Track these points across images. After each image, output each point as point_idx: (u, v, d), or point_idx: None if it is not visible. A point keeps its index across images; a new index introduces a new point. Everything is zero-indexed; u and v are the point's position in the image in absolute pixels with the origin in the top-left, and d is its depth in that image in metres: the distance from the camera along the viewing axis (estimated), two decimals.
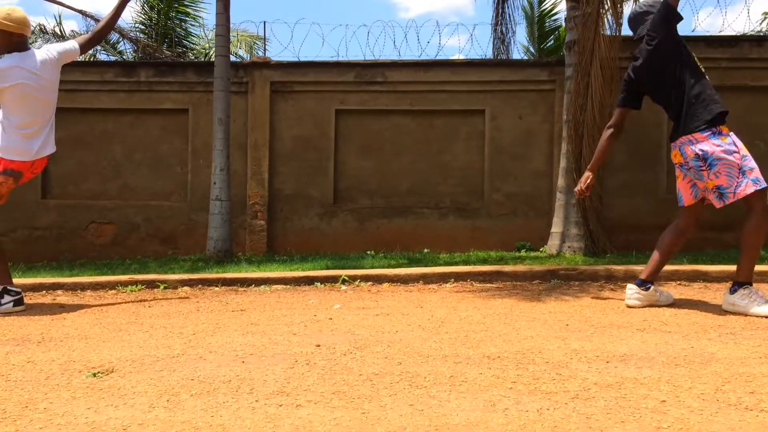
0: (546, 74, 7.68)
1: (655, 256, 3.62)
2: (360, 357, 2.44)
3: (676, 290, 4.22)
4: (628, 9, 6.90)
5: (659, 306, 3.55)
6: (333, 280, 4.85)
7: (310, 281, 4.86)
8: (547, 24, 12.60)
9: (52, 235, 7.92)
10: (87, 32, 12.13)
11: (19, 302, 3.89)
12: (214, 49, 7.92)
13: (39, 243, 7.87)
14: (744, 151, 3.33)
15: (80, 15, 11.46)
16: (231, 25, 7.38)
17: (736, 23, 31.02)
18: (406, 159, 7.83)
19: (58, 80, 4.08)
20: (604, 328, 2.95)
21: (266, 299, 4.23)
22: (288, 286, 4.79)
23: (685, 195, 3.56)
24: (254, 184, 7.81)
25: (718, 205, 3.37)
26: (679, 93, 3.45)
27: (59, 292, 4.74)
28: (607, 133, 3.76)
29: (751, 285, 3.31)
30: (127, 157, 8.01)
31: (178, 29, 12.63)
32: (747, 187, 3.24)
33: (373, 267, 5.43)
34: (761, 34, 9.91)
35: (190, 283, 4.87)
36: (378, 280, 4.83)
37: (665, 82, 3.50)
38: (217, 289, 4.77)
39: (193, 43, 12.96)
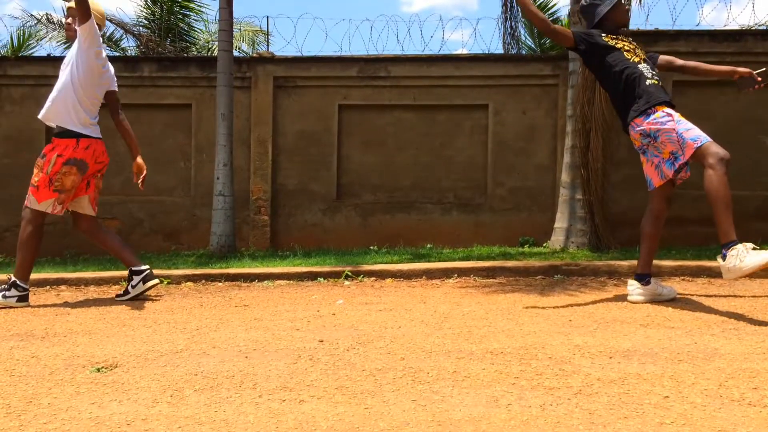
0: (549, 69, 7.66)
1: (643, 247, 3.64)
2: (363, 352, 2.45)
3: (680, 286, 4.21)
4: (635, 2, 6.88)
5: (661, 300, 3.54)
6: (336, 275, 4.86)
7: (313, 276, 4.86)
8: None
9: (56, 230, 7.93)
10: None
11: (23, 299, 3.90)
12: (217, 44, 7.92)
13: (43, 238, 7.88)
14: (678, 117, 3.42)
15: None
16: (234, 20, 7.38)
17: (741, 17, 30.88)
18: (410, 154, 7.82)
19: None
20: (608, 324, 2.95)
21: (269, 294, 4.23)
22: (291, 282, 4.79)
23: (654, 178, 3.61)
24: (257, 180, 7.81)
25: (669, 172, 3.47)
26: (610, 89, 3.65)
27: (63, 287, 4.76)
28: (550, 27, 3.61)
29: (736, 242, 3.11)
30: (129, 153, 8.00)
31: (181, 24, 12.61)
32: (690, 146, 3.31)
33: (376, 262, 5.44)
34: (766, 28, 9.86)
35: (193, 278, 4.88)
36: (381, 275, 4.83)
37: (599, 78, 3.74)
38: (220, 284, 4.78)
39: (196, 38, 12.94)
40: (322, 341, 2.67)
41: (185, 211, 7.93)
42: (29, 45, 12.41)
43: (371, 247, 7.17)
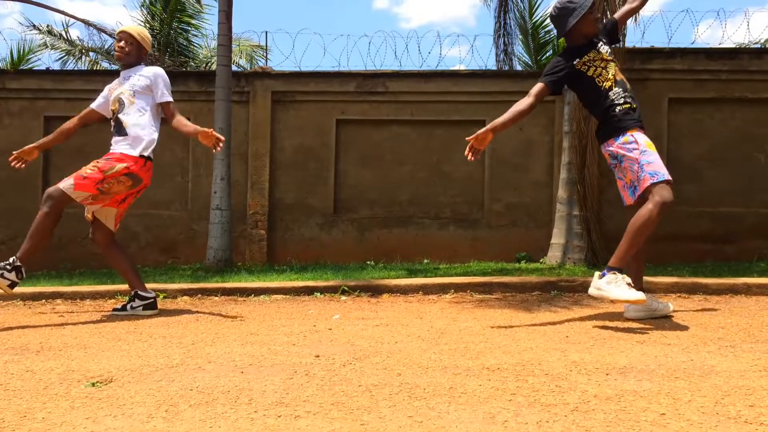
0: None
1: (629, 264, 3.64)
2: (359, 368, 2.44)
3: (676, 302, 4.21)
4: (631, 21, 6.94)
5: (657, 316, 3.54)
6: (333, 290, 4.85)
7: (309, 291, 4.85)
8: (541, 35, 12.56)
9: (52, 243, 7.91)
10: (90, 41, 12.25)
11: (150, 306, 4.01)
12: (215, 58, 7.96)
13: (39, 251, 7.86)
14: (644, 146, 3.43)
15: (83, 24, 11.43)
16: (233, 35, 7.42)
17: (735, 35, 31.15)
18: (407, 169, 7.84)
19: None
20: (604, 340, 2.95)
21: (266, 309, 4.22)
22: (288, 296, 4.78)
23: (625, 197, 3.63)
24: (255, 194, 7.82)
25: (629, 200, 3.53)
26: (590, 108, 3.70)
27: (59, 301, 4.74)
28: (527, 102, 3.63)
29: (622, 271, 3.30)
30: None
31: (180, 39, 12.67)
32: (645, 180, 3.35)
33: (372, 277, 5.43)
34: (761, 46, 9.95)
35: (189, 292, 4.87)
36: (378, 290, 4.83)
37: (578, 96, 3.78)
38: (216, 298, 4.77)
39: (194, 53, 13.00)
40: (318, 356, 2.66)
41: (182, 224, 7.93)
42: (29, 59, 12.46)
43: (368, 262, 7.17)
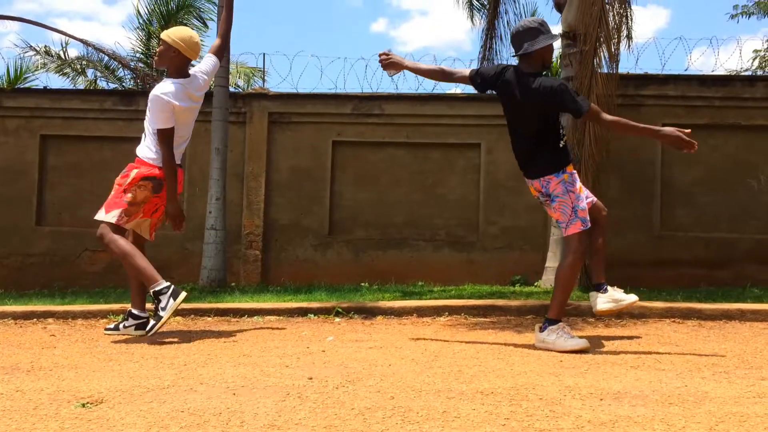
0: None
1: (590, 259, 3.74)
2: (352, 391, 2.42)
3: (670, 327, 4.21)
4: (624, 48, 7.02)
5: (625, 306, 3.67)
6: (327, 311, 4.83)
7: (303, 312, 4.83)
8: None
9: (46, 262, 7.89)
10: (87, 58, 12.29)
11: (142, 327, 3.88)
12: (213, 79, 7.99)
13: (32, 270, 7.83)
14: (579, 191, 3.47)
15: (82, 44, 11.50)
16: (231, 57, 7.47)
17: (728, 63, 31.52)
18: (402, 191, 7.86)
19: (198, 109, 4.20)
20: (598, 365, 2.94)
21: (259, 330, 4.20)
22: (281, 317, 4.76)
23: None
24: (250, 214, 7.82)
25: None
26: (535, 140, 3.50)
27: (50, 320, 4.71)
28: (440, 66, 3.77)
29: (560, 321, 3.40)
30: None
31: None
32: (576, 226, 3.40)
33: (367, 299, 5.41)
34: (753, 74, 10.06)
35: (182, 312, 4.84)
36: (372, 312, 4.81)
37: (527, 125, 3.52)
38: (209, 319, 4.74)
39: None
40: (311, 378, 2.64)
41: (176, 244, 7.90)
42: (26, 78, 12.48)
43: (363, 284, 7.15)
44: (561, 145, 3.50)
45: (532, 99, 3.42)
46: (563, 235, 3.51)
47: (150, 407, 2.19)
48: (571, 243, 3.43)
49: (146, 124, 4.02)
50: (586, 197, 3.55)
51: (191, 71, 4.06)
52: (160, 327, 3.73)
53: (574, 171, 3.52)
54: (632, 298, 3.70)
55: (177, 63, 3.96)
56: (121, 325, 4.02)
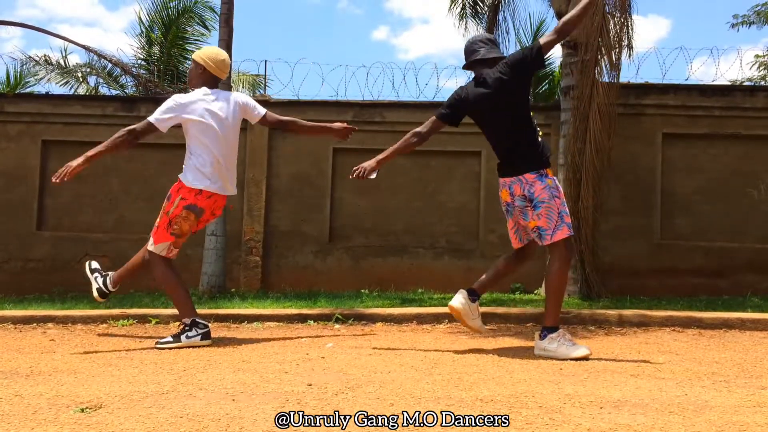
0: (542, 118, 7.76)
1: (490, 273, 3.72)
2: (352, 397, 2.42)
3: (670, 336, 4.21)
4: (625, 57, 7.05)
5: (469, 324, 3.63)
6: (326, 318, 4.83)
7: (303, 319, 4.83)
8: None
9: (46, 267, 7.88)
10: (90, 65, 12.31)
11: (206, 336, 3.81)
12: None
13: (32, 275, 7.83)
14: (563, 196, 3.48)
15: (83, 50, 11.53)
16: (233, 64, 7.49)
17: (729, 72, 31.59)
18: (402, 198, 7.86)
19: (238, 128, 4.14)
20: (598, 373, 2.94)
21: (258, 336, 4.20)
22: (281, 324, 4.76)
23: (513, 240, 3.66)
24: (250, 220, 7.82)
25: (539, 243, 3.49)
26: (514, 132, 3.51)
27: (50, 325, 4.70)
28: (411, 134, 3.76)
29: (558, 328, 3.40)
30: (123, 191, 8.02)
31: (180, 66, 12.78)
32: (564, 232, 3.38)
33: (366, 306, 5.41)
34: (755, 82, 10.09)
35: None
36: (372, 319, 4.81)
37: (503, 118, 3.53)
38: (209, 324, 4.73)
39: None
40: (310, 385, 2.64)
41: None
42: (27, 83, 12.50)
43: (362, 291, 7.15)
44: (539, 139, 3.52)
45: (497, 83, 3.46)
46: (546, 242, 3.41)
47: (149, 413, 2.19)
48: (558, 250, 3.40)
49: (188, 154, 4.03)
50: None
51: (227, 94, 4.08)
52: (171, 348, 3.71)
53: (555, 177, 3.52)
54: (483, 329, 3.70)
55: (204, 80, 4.00)
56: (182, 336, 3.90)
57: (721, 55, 20.96)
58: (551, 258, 3.44)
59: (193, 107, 3.88)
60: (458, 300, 3.62)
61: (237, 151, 4.15)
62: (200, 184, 3.89)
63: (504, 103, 3.49)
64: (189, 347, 3.69)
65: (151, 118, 3.91)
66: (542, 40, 3.46)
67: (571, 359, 3.26)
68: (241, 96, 4.15)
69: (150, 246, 3.91)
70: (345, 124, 4.30)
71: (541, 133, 3.57)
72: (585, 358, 3.27)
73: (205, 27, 12.77)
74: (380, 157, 3.82)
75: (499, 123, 3.55)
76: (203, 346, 3.73)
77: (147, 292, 7.34)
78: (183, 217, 3.88)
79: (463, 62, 3.70)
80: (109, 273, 4.21)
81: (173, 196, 3.93)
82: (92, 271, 4.27)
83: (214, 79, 4.04)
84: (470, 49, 3.65)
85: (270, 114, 4.19)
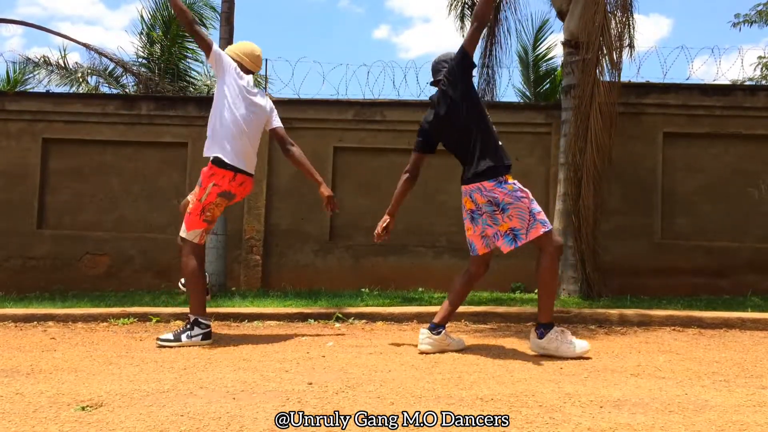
0: (542, 117, 7.78)
1: (447, 301, 3.65)
2: (352, 396, 2.42)
3: (670, 336, 4.21)
4: (626, 56, 7.04)
5: (450, 351, 3.52)
6: (327, 317, 4.83)
7: (303, 318, 4.83)
8: (542, 68, 12.75)
9: (46, 265, 7.88)
10: (93, 68, 12.31)
11: (207, 336, 3.80)
12: (215, 85, 8.00)
13: (32, 273, 7.83)
14: (530, 195, 3.44)
15: (84, 48, 11.53)
16: None
17: (730, 72, 31.56)
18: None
19: (260, 127, 4.23)
20: (598, 373, 2.94)
21: (259, 335, 4.20)
22: (281, 322, 4.76)
23: (478, 245, 3.61)
24: (250, 219, 7.82)
25: (507, 248, 3.43)
26: (469, 140, 3.52)
27: (50, 323, 4.71)
28: (403, 178, 3.90)
29: (554, 325, 3.40)
30: (124, 189, 8.02)
31: (180, 64, 12.78)
32: (538, 228, 3.35)
33: (367, 305, 5.41)
34: (755, 83, 10.08)
35: (183, 316, 4.83)
36: (372, 318, 4.81)
37: (456, 127, 3.55)
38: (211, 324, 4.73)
39: (194, 79, 13.10)
40: (311, 384, 2.64)
41: (177, 248, 7.88)
42: (26, 80, 12.48)
43: (363, 290, 7.15)
44: (500, 144, 3.52)
45: (441, 100, 3.56)
46: (522, 243, 3.38)
47: (149, 411, 2.19)
48: (543, 246, 3.38)
49: (215, 120, 4.04)
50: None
51: (263, 92, 4.21)
52: (171, 346, 3.71)
53: (517, 184, 3.46)
54: (463, 344, 3.63)
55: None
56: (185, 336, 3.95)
57: (722, 55, 20.96)
58: (540, 255, 3.42)
59: (228, 64, 4.01)
60: (425, 343, 3.51)
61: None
62: (238, 164, 3.95)
63: (453, 117, 3.53)
64: (189, 346, 3.70)
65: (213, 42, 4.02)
66: (465, 39, 3.53)
67: (575, 357, 3.27)
68: (270, 101, 4.29)
69: (183, 233, 3.93)
70: (331, 197, 4.36)
71: (500, 143, 3.53)
72: (586, 354, 3.29)
73: (204, 25, 12.76)
74: (390, 210, 4.03)
75: (452, 136, 3.62)
76: (203, 345, 3.73)
77: (148, 290, 7.35)
78: (216, 204, 3.93)
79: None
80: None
81: (204, 182, 3.93)
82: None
83: (249, 73, 4.14)
84: (435, 69, 3.72)
85: (282, 129, 4.37)
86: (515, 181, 3.47)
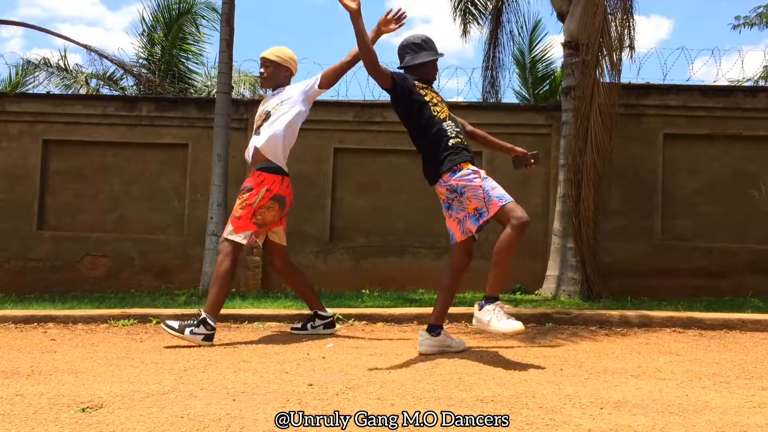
0: (543, 119, 7.78)
1: (440, 299, 3.64)
2: (352, 397, 2.42)
3: (670, 337, 4.21)
4: (626, 58, 7.05)
5: (450, 352, 3.50)
6: None
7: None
8: (540, 69, 12.74)
9: (46, 266, 7.89)
10: (94, 74, 12.34)
11: (209, 338, 3.78)
12: (215, 86, 8.01)
13: (32, 274, 7.83)
14: (483, 174, 3.45)
15: (84, 49, 11.53)
16: (234, 64, 7.49)
17: (730, 73, 31.56)
18: (403, 198, 7.86)
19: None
20: (599, 374, 2.94)
21: (259, 336, 4.20)
22: (281, 323, 4.75)
23: (456, 233, 3.63)
24: None
25: (473, 227, 3.49)
26: (420, 151, 3.61)
27: (51, 324, 4.70)
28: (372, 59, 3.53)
29: (498, 299, 3.35)
30: (124, 191, 8.03)
31: (181, 66, 12.78)
32: (495, 203, 3.34)
33: (367, 306, 5.41)
34: (754, 84, 10.08)
35: (182, 318, 4.83)
36: (372, 319, 4.80)
37: (415, 125, 3.62)
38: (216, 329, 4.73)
39: (194, 80, 13.11)
40: (311, 385, 2.64)
41: (177, 249, 7.91)
42: (26, 82, 12.49)
43: (363, 291, 7.15)
44: (450, 144, 3.48)
45: (394, 105, 3.67)
46: (485, 219, 3.42)
47: (150, 412, 2.19)
48: (501, 220, 3.35)
49: (271, 127, 4.11)
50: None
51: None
52: (172, 334, 3.74)
53: (472, 167, 3.47)
54: (462, 345, 3.60)
55: (282, 76, 4.24)
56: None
57: (723, 56, 20.96)
58: (504, 231, 3.37)
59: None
60: (425, 344, 3.49)
61: None
62: (285, 168, 4.14)
63: (397, 110, 3.64)
64: (189, 346, 3.69)
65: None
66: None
67: (501, 333, 3.22)
68: (300, 87, 4.30)
69: (228, 234, 3.95)
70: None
71: (458, 140, 3.51)
72: (518, 333, 3.23)
73: (197, 28, 12.78)
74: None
75: (409, 123, 3.67)
76: (201, 345, 3.73)
77: (147, 291, 7.35)
78: (267, 207, 3.99)
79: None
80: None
81: (256, 188, 4.00)
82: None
83: (287, 73, 4.27)
84: (399, 55, 3.71)
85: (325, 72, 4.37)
86: (469, 167, 3.46)
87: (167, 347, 3.71)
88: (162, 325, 3.82)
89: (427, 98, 3.56)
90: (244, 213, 3.95)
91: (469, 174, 3.41)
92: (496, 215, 3.35)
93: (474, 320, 3.38)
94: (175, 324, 3.78)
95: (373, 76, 3.53)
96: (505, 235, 3.35)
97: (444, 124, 3.53)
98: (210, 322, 3.80)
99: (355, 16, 3.42)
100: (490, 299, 3.35)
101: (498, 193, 3.37)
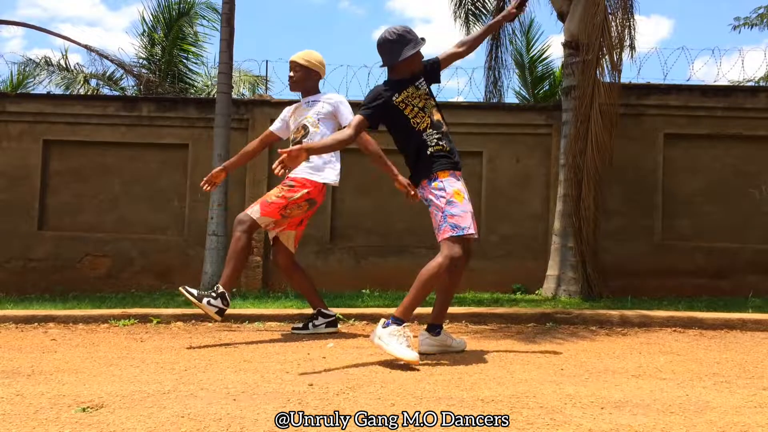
0: (543, 119, 7.78)
1: (438, 298, 3.62)
2: (353, 397, 2.42)
3: (671, 337, 4.21)
4: (627, 57, 7.05)
5: (451, 352, 3.49)
6: None
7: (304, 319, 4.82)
8: (539, 69, 12.73)
9: (47, 266, 7.89)
10: (91, 67, 12.33)
11: (221, 313, 3.88)
12: (215, 86, 8.01)
13: (33, 274, 7.84)
14: (451, 197, 3.33)
15: (85, 49, 11.55)
16: (234, 64, 7.49)
17: (730, 73, 31.56)
18: (403, 198, 7.81)
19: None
20: (599, 374, 2.93)
21: (260, 336, 4.20)
22: (282, 323, 4.76)
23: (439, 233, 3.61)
24: None
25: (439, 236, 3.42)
26: (409, 149, 3.54)
27: (51, 324, 4.70)
28: (346, 134, 3.57)
29: (404, 323, 3.22)
30: (125, 191, 8.03)
31: (181, 66, 12.79)
32: (445, 232, 3.30)
33: (368, 306, 5.41)
34: (755, 84, 10.08)
35: (183, 318, 4.84)
36: (373, 319, 4.80)
37: (397, 137, 3.62)
38: (210, 324, 4.74)
39: (194, 80, 13.11)
40: (311, 385, 2.64)
41: (178, 249, 7.91)
42: (27, 83, 12.51)
43: (363, 291, 7.15)
44: (428, 153, 3.42)
45: None
46: (437, 237, 3.36)
47: (150, 412, 2.19)
48: (444, 247, 3.29)
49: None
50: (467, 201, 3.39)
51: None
52: (189, 299, 3.81)
53: (451, 177, 3.38)
54: (462, 344, 3.58)
55: (312, 80, 4.30)
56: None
57: (723, 56, 20.97)
58: (435, 258, 3.31)
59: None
60: (425, 344, 3.47)
61: None
62: (331, 178, 4.24)
63: (386, 121, 3.62)
64: (189, 346, 3.69)
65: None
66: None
67: (397, 358, 3.08)
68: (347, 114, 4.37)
69: (253, 212, 4.00)
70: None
71: (439, 148, 3.44)
72: (409, 365, 3.06)
73: (193, 29, 12.78)
74: (308, 147, 3.46)
75: (394, 136, 3.66)
76: (213, 320, 3.93)
77: (148, 291, 7.35)
78: (299, 205, 4.07)
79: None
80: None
81: (298, 186, 4.06)
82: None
83: (317, 77, 4.34)
84: (379, 53, 3.54)
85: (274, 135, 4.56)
86: (447, 179, 3.37)
87: (167, 347, 3.71)
88: (181, 288, 3.88)
89: (406, 111, 3.46)
90: (278, 201, 4.01)
91: (440, 190, 3.34)
92: (441, 242, 3.32)
93: (374, 335, 3.23)
94: (195, 292, 3.84)
95: (358, 141, 3.79)
96: (434, 263, 3.28)
97: (424, 135, 3.45)
98: (228, 297, 3.90)
99: (308, 153, 3.35)
100: (398, 321, 3.22)
101: (453, 222, 3.29)
